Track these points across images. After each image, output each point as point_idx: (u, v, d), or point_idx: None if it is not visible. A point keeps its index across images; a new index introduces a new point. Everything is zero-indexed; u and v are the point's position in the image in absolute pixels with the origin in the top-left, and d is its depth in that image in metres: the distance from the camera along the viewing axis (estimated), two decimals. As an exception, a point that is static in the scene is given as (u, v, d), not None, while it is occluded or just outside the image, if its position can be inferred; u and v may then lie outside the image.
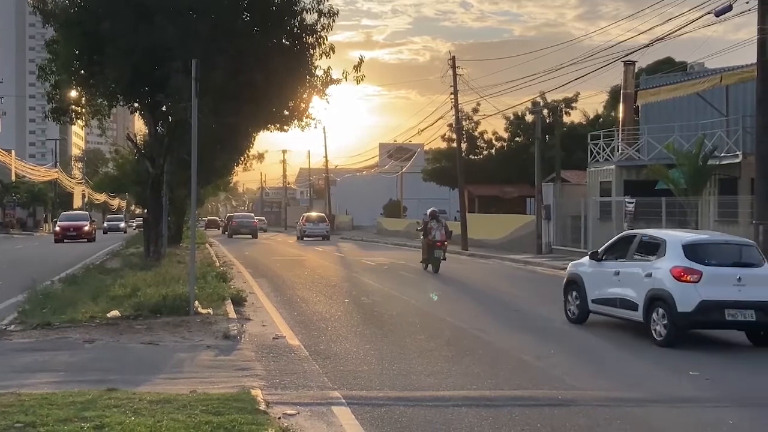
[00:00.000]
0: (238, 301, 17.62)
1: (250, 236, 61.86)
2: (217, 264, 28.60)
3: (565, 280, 17.08)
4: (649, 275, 14.26)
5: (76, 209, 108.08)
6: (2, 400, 8.32)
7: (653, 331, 13.86)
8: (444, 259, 28.33)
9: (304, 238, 58.36)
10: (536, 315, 17.79)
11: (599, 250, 16.21)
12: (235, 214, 79.58)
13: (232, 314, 15.49)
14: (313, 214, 64.77)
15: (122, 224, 57.53)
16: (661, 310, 13.77)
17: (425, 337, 14.20)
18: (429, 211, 28.75)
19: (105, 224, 57.52)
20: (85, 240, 53.82)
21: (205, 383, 9.66)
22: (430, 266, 28.13)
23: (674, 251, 14.15)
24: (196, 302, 15.35)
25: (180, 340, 12.67)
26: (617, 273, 15.21)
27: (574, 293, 16.36)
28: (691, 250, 14.05)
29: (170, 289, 16.21)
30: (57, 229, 55.91)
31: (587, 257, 16.63)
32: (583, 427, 8.57)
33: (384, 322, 16.16)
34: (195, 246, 17.53)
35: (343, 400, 9.29)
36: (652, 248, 14.83)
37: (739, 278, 13.67)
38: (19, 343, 12.44)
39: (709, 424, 8.88)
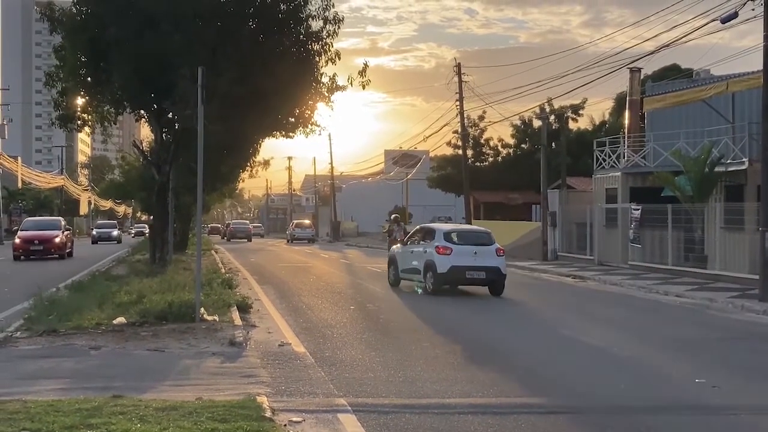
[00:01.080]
0: (244, 308, 17.62)
1: (246, 239, 74.53)
2: (223, 271, 28.62)
3: (388, 258, 26.27)
4: (425, 252, 23.12)
5: (82, 215, 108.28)
6: (8, 407, 8.32)
7: (427, 286, 22.76)
8: None
9: (293, 241, 69.85)
10: (542, 321, 17.76)
11: (405, 238, 26.10)
12: (233, 221, 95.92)
13: (238, 321, 15.50)
14: (303, 221, 78.35)
15: (115, 232, 49.14)
16: (430, 273, 22.64)
17: (431, 344, 14.18)
18: (392, 216, 30.95)
19: (94, 232, 48.77)
20: (56, 256, 39.79)
21: (210, 390, 9.66)
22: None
23: (439, 236, 23.08)
24: (202, 309, 15.35)
25: (186, 347, 12.67)
26: (412, 252, 24.01)
27: (392, 267, 25.40)
28: (447, 236, 23.10)
29: (176, 296, 16.21)
30: (16, 241, 41.15)
31: (400, 243, 26.62)
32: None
33: (389, 329, 16.14)
34: (201, 253, 17.54)
35: (349, 408, 9.27)
36: (430, 235, 23.70)
37: (475, 252, 22.74)
38: (25, 349, 12.45)
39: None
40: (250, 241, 73.61)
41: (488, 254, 22.78)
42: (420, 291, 23.13)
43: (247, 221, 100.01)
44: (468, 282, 22.78)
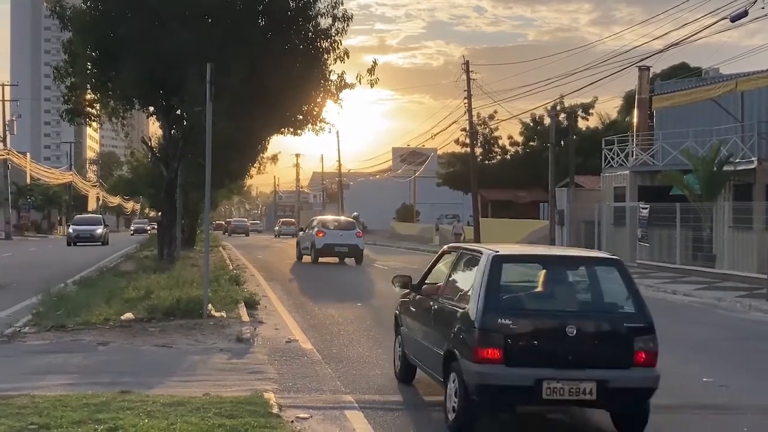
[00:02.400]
0: (251, 305, 17.64)
1: (244, 234, 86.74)
2: (231, 267, 28.66)
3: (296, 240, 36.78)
4: (311, 234, 35.46)
5: (90, 212, 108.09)
6: (16, 402, 8.35)
7: (312, 256, 35.21)
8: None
9: (280, 236, 79.72)
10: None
11: (304, 227, 38.38)
12: (233, 219, 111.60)
13: (245, 317, 15.52)
14: (288, 219, 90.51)
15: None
16: (312, 248, 34.81)
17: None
18: (353, 214, 38.91)
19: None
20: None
21: (218, 386, 9.68)
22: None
23: (318, 225, 35.59)
24: (210, 305, 15.37)
25: (193, 343, 12.70)
26: (306, 234, 36.86)
27: (297, 246, 38.18)
28: (323, 224, 35.62)
29: (184, 292, 16.24)
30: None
31: (301, 232, 38.57)
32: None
33: (397, 326, 16.12)
34: (209, 249, 17.57)
35: (356, 404, 9.28)
36: (312, 224, 36.39)
37: (341, 234, 34.85)
38: (33, 345, 12.49)
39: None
40: (248, 235, 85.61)
41: (350, 236, 35.19)
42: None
43: (245, 219, 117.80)
44: (335, 253, 35.08)
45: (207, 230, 17.63)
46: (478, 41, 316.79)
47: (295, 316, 17.14)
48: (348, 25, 22.57)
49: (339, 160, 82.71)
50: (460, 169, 59.67)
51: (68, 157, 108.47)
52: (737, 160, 30.01)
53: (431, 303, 9.55)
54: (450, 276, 9.63)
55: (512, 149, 62.02)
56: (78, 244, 52.60)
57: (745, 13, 23.16)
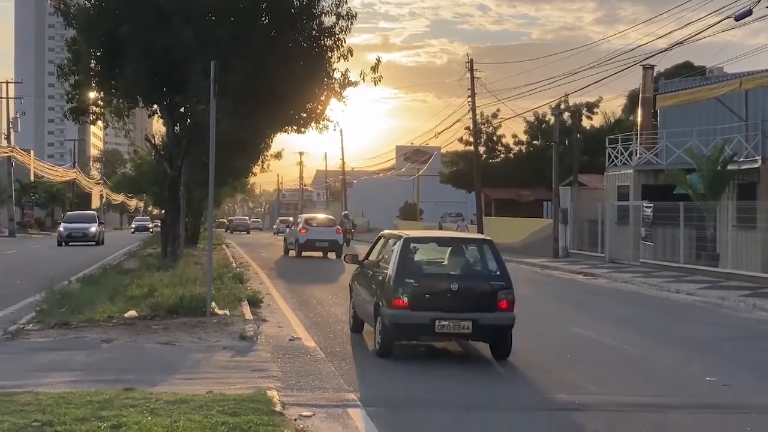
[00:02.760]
0: (255, 303, 17.65)
1: (245, 232, 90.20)
2: (234, 265, 28.68)
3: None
4: (295, 231, 39.10)
5: (94, 209, 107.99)
6: (20, 399, 8.36)
7: (296, 251, 37.93)
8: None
9: (279, 234, 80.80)
10: (553, 319, 17.74)
11: (291, 224, 43.92)
12: (234, 217, 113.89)
13: (249, 315, 15.53)
14: (286, 218, 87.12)
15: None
16: (296, 243, 38.04)
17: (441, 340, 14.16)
18: (344, 213, 40.38)
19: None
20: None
21: (221, 384, 9.68)
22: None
23: (301, 222, 39.17)
24: (213, 303, 15.38)
25: (196, 341, 12.71)
26: (291, 230, 40.32)
27: (285, 241, 41.94)
28: (306, 222, 38.84)
29: (187, 290, 16.26)
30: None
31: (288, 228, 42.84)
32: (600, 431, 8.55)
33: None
34: (212, 247, 17.57)
35: (359, 403, 9.29)
36: (298, 222, 39.82)
37: (322, 231, 38.17)
38: (36, 342, 12.51)
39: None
40: (248, 233, 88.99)
41: (330, 232, 38.56)
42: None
43: (246, 217, 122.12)
44: (317, 248, 38.00)
45: (210, 228, 17.58)
46: (482, 40, 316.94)
47: (298, 313, 17.15)
48: (352, 23, 22.55)
49: (342, 159, 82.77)
50: (463, 167, 59.65)
51: (72, 154, 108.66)
52: (741, 159, 29.96)
53: (369, 272, 13.59)
54: (380, 253, 13.71)
55: (516, 148, 61.99)
56: (70, 243, 47.85)
57: (749, 12, 23.12)
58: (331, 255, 38.06)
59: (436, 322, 11.73)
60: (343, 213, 43.84)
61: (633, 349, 13.88)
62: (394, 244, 12.79)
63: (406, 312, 11.82)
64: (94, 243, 48.11)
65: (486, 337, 12.28)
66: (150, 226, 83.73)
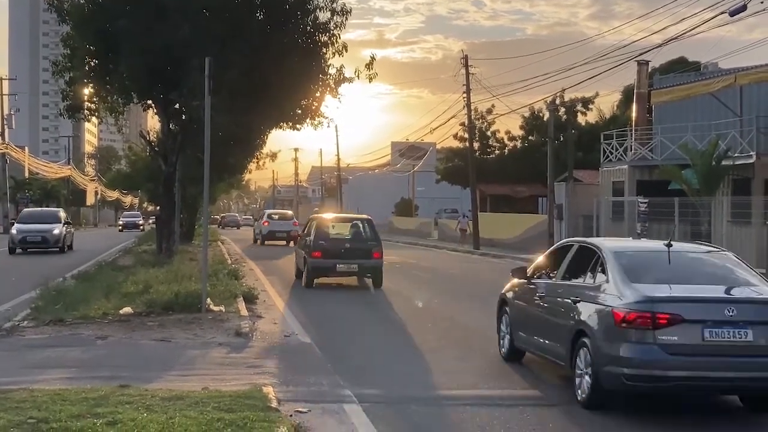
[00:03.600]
0: (250, 299, 17.66)
1: (235, 227, 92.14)
2: (229, 261, 28.66)
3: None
4: (260, 224, 49.57)
5: (89, 206, 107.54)
6: (15, 396, 8.35)
7: (258, 240, 48.96)
8: None
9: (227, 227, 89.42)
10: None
11: (257, 217, 59.44)
12: (226, 214, 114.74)
13: (244, 312, 15.53)
14: (286, 212, 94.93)
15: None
16: (260, 233, 48.18)
17: (436, 335, 14.20)
18: (315, 210, 39.00)
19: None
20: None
21: (216, 380, 9.69)
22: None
23: (264, 216, 50.55)
24: (208, 299, 15.38)
25: (192, 337, 12.70)
26: (258, 223, 52.16)
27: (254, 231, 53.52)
28: (269, 216, 49.64)
29: (182, 287, 16.24)
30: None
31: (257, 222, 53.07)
32: (597, 427, 8.56)
33: (395, 320, 16.17)
34: (207, 243, 17.56)
35: (355, 399, 9.29)
36: (262, 216, 52.36)
37: (281, 223, 47.28)
38: (32, 339, 12.49)
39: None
40: (239, 228, 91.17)
41: (288, 225, 46.63)
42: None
43: (237, 214, 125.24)
44: (277, 238, 46.13)
45: (206, 224, 17.63)
46: (477, 35, 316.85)
47: (293, 310, 17.15)
48: (347, 19, 22.51)
49: (338, 155, 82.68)
50: (459, 163, 59.65)
51: (66, 151, 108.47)
52: (736, 155, 30.02)
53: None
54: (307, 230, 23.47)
55: (510, 144, 62.00)
56: (28, 250, 36.77)
57: (743, 8, 23.15)
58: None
59: (337, 265, 21.30)
60: (314, 210, 46.86)
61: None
62: (315, 225, 22.61)
63: (320, 260, 21.34)
64: (58, 249, 37.08)
65: (365, 274, 21.94)
66: (141, 222, 79.27)
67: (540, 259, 11.59)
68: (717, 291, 8.96)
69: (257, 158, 40.69)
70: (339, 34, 22.58)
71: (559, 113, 49.56)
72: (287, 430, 7.49)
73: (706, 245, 11.86)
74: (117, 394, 8.53)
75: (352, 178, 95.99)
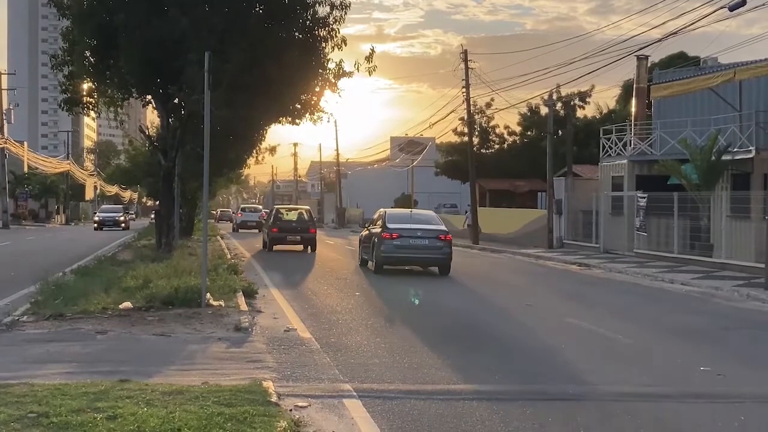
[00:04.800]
0: (250, 294, 17.66)
1: (229, 221, 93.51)
2: (229, 256, 28.66)
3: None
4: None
5: (88, 201, 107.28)
6: (15, 390, 8.36)
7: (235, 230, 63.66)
8: None
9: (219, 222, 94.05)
10: (547, 309, 17.78)
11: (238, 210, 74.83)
12: (221, 209, 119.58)
13: (244, 306, 15.53)
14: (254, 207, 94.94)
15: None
16: (235, 223, 66.29)
17: (436, 330, 14.20)
18: (305, 207, 40.36)
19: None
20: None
21: (216, 375, 9.69)
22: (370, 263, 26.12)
23: (238, 210, 72.79)
24: (208, 294, 15.38)
25: (192, 332, 12.71)
26: (245, 213, 65.96)
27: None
28: (241, 209, 68.97)
29: (182, 281, 16.24)
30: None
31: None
32: (595, 422, 8.57)
33: (394, 315, 16.18)
34: (207, 238, 17.56)
35: (355, 393, 9.30)
36: (241, 210, 70.66)
37: (251, 215, 63.92)
38: (31, 333, 12.49)
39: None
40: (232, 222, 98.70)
41: (256, 216, 59.05)
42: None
43: (230, 209, 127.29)
44: (248, 226, 60.24)
45: (205, 219, 17.58)
46: (476, 30, 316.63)
47: (293, 305, 17.15)
48: (346, 13, 22.53)
49: (337, 150, 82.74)
50: (458, 158, 59.61)
51: (66, 146, 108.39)
52: (735, 150, 30.00)
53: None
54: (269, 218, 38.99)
55: (510, 138, 61.96)
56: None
57: (743, 2, 23.13)
58: (349, 253, 42.27)
59: (287, 236, 35.28)
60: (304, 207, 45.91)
61: (627, 338, 13.91)
62: (274, 212, 36.94)
63: (275, 233, 35.35)
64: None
65: (305, 243, 35.41)
66: (122, 218, 65.56)
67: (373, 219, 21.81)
68: (418, 226, 24.68)
69: (256, 153, 40.69)
70: (338, 29, 22.61)
71: (557, 109, 49.46)
72: (287, 425, 7.49)
73: (426, 211, 30.74)
74: (117, 388, 8.54)
75: (352, 173, 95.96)
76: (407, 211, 28.66)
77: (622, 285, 23.84)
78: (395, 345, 12.55)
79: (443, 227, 25.38)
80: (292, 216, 37.11)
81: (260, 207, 68.61)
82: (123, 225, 63.39)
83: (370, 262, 25.63)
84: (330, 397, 9.12)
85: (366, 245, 26.18)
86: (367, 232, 26.34)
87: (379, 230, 24.71)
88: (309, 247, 35.47)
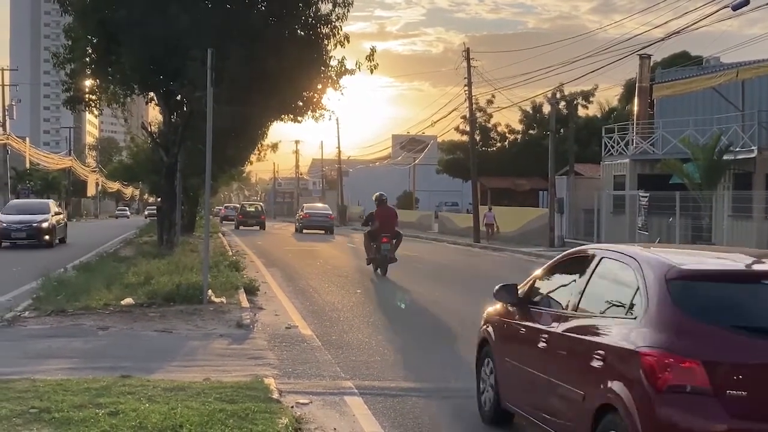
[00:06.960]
0: (251, 291, 17.66)
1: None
2: (230, 253, 28.67)
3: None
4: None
5: (89, 197, 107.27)
6: (17, 386, 8.37)
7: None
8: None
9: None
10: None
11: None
12: (224, 206, 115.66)
13: (245, 303, 15.54)
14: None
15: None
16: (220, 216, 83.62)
17: (437, 328, 14.22)
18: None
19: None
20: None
21: (218, 371, 9.70)
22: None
23: (223, 207, 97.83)
24: (210, 291, 15.40)
25: (193, 329, 12.72)
26: (247, 211, 69.20)
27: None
28: (225, 207, 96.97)
29: (184, 278, 16.26)
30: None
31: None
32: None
33: (396, 313, 16.19)
34: (209, 235, 17.58)
35: (356, 390, 9.31)
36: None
37: (230, 210, 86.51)
38: (34, 329, 12.51)
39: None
40: (233, 220, 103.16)
41: (233, 211, 78.63)
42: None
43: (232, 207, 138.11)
44: (230, 220, 73.32)
45: (207, 216, 17.64)
46: (478, 28, 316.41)
47: (294, 302, 17.17)
48: (348, 10, 22.45)
49: (339, 147, 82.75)
50: (460, 156, 59.63)
51: (68, 142, 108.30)
52: (737, 149, 30.01)
53: None
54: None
55: (511, 137, 61.97)
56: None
57: (746, 2, 23.11)
58: (350, 250, 39.85)
59: (247, 221, 61.17)
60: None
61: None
62: (241, 206, 66.77)
63: (242, 219, 61.87)
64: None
65: (260, 226, 59.39)
66: (45, 224, 33.53)
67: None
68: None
69: (258, 150, 40.66)
70: (340, 26, 22.54)
71: (560, 107, 49.50)
72: (288, 422, 7.50)
73: None
74: (119, 384, 8.55)
75: (353, 170, 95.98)
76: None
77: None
78: (397, 342, 12.56)
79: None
80: (252, 208, 65.21)
81: (237, 206, 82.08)
82: (46, 237, 33.50)
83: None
84: (331, 394, 9.13)
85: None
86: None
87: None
88: (259, 226, 57.11)
